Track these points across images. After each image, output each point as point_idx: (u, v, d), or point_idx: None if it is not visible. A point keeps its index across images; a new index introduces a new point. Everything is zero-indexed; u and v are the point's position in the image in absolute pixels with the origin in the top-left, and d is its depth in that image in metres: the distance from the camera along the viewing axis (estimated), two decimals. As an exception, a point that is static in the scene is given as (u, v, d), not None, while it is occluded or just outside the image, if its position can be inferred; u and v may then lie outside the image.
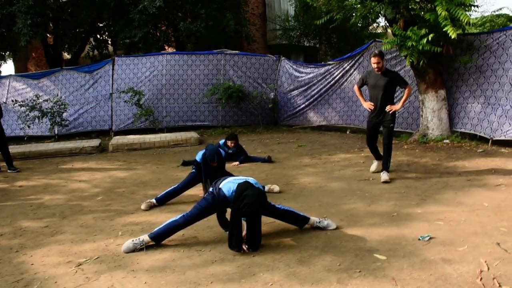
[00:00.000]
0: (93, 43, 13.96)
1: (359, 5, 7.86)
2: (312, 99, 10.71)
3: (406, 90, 5.48)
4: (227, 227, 3.56)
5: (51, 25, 12.38)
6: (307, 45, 17.48)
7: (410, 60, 6.98)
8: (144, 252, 3.52)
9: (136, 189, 5.90)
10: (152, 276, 3.08)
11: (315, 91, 10.57)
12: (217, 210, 3.69)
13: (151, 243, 3.60)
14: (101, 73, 11.04)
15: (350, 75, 9.80)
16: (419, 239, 3.49)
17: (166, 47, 13.15)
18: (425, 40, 6.70)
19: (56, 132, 10.59)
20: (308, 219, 3.85)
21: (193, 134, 9.84)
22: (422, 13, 6.97)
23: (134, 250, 3.52)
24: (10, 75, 11.73)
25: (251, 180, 3.54)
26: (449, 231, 3.64)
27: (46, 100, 9.99)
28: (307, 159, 7.37)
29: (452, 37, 6.38)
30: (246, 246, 3.43)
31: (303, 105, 10.96)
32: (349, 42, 15.55)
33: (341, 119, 10.24)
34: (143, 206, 4.84)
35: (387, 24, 8.27)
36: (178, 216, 3.68)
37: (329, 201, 4.77)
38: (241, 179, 3.56)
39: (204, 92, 11.19)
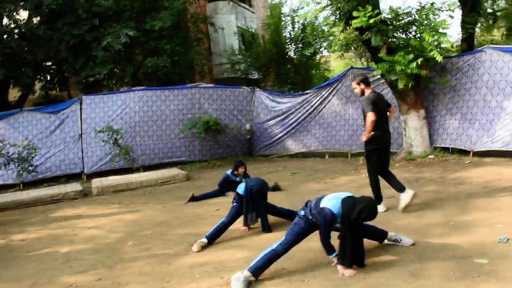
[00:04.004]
0: (47, 82, 13.09)
1: (341, 34, 8.35)
2: (290, 128, 10.97)
3: (367, 117, 5.09)
4: (330, 250, 3.51)
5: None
6: (254, 77, 17.75)
7: (403, 83, 7.52)
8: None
9: (161, 229, 5.59)
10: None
11: (293, 120, 10.86)
12: (309, 233, 3.66)
13: (251, 279, 3.45)
14: (67, 113, 10.36)
15: (329, 101, 10.26)
16: (499, 241, 3.74)
17: (129, 85, 12.73)
18: (414, 64, 7.31)
19: (21, 179, 9.63)
20: (386, 233, 3.94)
21: (179, 171, 9.54)
22: (407, 40, 7.62)
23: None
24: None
25: (349, 193, 3.59)
26: (517, 232, 3.94)
27: (14, 145, 9.10)
28: (314, 184, 7.50)
29: (439, 60, 7.06)
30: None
31: (280, 134, 11.18)
32: (298, 72, 16.22)
33: (321, 144, 10.59)
34: (195, 248, 4.59)
35: (366, 51, 8.87)
36: (274, 246, 3.58)
37: (379, 220, 4.87)
38: (339, 194, 3.58)
39: (180, 127, 10.97)
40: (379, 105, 5.15)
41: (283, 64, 16.00)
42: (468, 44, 10.83)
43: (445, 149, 8.61)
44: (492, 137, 7.64)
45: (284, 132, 11.11)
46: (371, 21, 7.36)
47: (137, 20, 12.23)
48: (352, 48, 9.40)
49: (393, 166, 8.15)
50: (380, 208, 5.01)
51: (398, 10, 8.28)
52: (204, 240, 4.68)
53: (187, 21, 14.66)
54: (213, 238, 4.74)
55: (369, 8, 7.43)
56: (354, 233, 3.42)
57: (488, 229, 4.15)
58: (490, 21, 12.70)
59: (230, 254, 4.31)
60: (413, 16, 8.25)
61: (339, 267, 3.44)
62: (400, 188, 5.12)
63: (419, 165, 7.88)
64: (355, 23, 7.43)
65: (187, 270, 3.99)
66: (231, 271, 3.80)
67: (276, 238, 4.45)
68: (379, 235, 3.92)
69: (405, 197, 5.05)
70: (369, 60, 30.66)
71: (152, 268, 4.16)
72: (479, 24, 12.40)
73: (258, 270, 3.47)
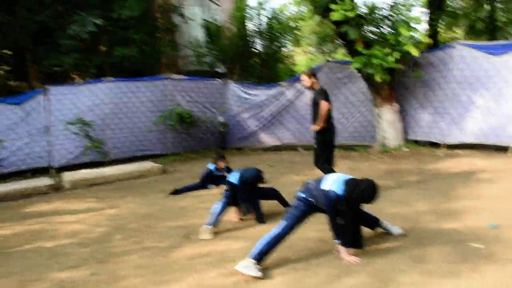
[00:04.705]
0: (6, 71, 12.33)
1: (316, 27, 8.44)
2: (264, 120, 10.99)
3: (320, 105, 5.37)
4: (339, 235, 3.54)
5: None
6: (220, 71, 17.57)
7: (380, 77, 7.72)
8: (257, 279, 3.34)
9: (147, 223, 5.44)
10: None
11: (267, 113, 10.88)
12: (309, 215, 3.68)
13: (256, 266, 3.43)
14: (32, 105, 9.79)
15: (303, 94, 10.35)
16: (490, 227, 3.93)
17: (94, 76, 12.22)
18: (392, 58, 7.52)
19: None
20: (379, 220, 4.03)
21: (154, 164, 9.31)
22: (383, 35, 7.81)
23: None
24: None
25: (348, 175, 3.64)
26: (503, 217, 4.16)
27: (-25, 139, 8.52)
28: (294, 176, 7.56)
29: (416, 55, 7.29)
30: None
31: (254, 127, 11.17)
32: (266, 66, 16.23)
33: (294, 137, 10.70)
34: (207, 236, 4.54)
35: (342, 44, 9.01)
36: (275, 231, 3.57)
37: (368, 208, 5.02)
38: (340, 176, 3.63)
39: (152, 120, 10.70)
40: (329, 99, 5.49)
41: (250, 57, 15.95)
42: (433, 41, 11.30)
43: (416, 142, 8.95)
44: (462, 131, 8.01)
45: (258, 124, 11.12)
46: (349, 14, 7.50)
47: (104, 8, 11.76)
48: (328, 41, 9.51)
49: (368, 158, 8.40)
50: None
51: (373, 5, 8.48)
52: (210, 226, 4.61)
53: (155, 11, 14.29)
54: (217, 222, 4.69)
55: (347, 1, 7.56)
56: (355, 215, 3.49)
57: (475, 215, 4.36)
58: (452, 19, 13.28)
59: (227, 245, 4.27)
60: (388, 11, 8.48)
61: (343, 253, 3.50)
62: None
63: (395, 157, 8.14)
64: (334, 16, 7.53)
65: (186, 262, 3.92)
66: (233, 261, 3.76)
67: (268, 228, 4.49)
68: (372, 222, 4.01)
69: None
70: (331, 54, 31.41)
71: (148, 261, 4.05)
72: (441, 22, 12.96)
73: (261, 256, 3.45)
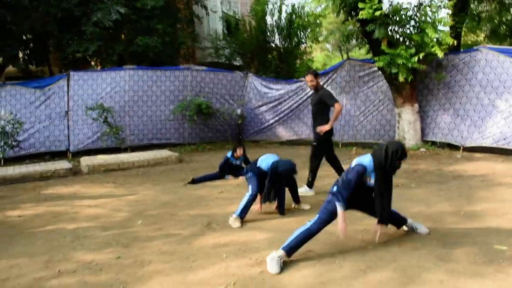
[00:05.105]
0: (28, 55, 12.48)
1: (342, 25, 8.41)
2: (282, 115, 11.02)
3: (335, 107, 5.57)
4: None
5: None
6: (237, 64, 17.61)
7: (403, 77, 7.68)
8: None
9: (168, 210, 5.50)
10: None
11: (285, 107, 10.90)
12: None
13: (285, 258, 3.47)
14: (54, 89, 9.94)
15: (323, 91, 10.34)
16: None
17: (115, 65, 12.33)
18: (416, 59, 7.47)
19: (2, 155, 9.19)
20: (406, 220, 4.04)
21: (171, 153, 9.39)
22: (408, 35, 7.76)
23: (281, 268, 3.35)
24: None
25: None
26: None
27: (-3, 119, 8.68)
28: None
29: (440, 56, 7.25)
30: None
31: (272, 121, 11.20)
32: (284, 61, 16.19)
33: (312, 133, 10.65)
34: (237, 224, 4.61)
35: (365, 42, 8.97)
36: (308, 225, 3.59)
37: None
38: (367, 155, 3.69)
39: (170, 109, 10.79)
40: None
41: (268, 52, 15.91)
42: (456, 43, 11.15)
43: (433, 143, 8.90)
44: (482, 134, 7.95)
45: (276, 118, 11.15)
46: (377, 13, 7.46)
47: (128, -3, 11.84)
48: (354, 40, 9.46)
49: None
50: (311, 192, 5.79)
51: (399, 5, 8.42)
52: (237, 216, 4.67)
53: (178, 2, 14.34)
54: (245, 212, 4.73)
55: (375, 0, 7.51)
56: (390, 187, 3.56)
57: (498, 218, 4.35)
58: (475, 22, 13.10)
59: (250, 235, 4.31)
60: (414, 12, 8.42)
61: (378, 226, 3.64)
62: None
63: (413, 157, 8.10)
64: (362, 14, 7.49)
65: (211, 251, 3.96)
66: (257, 251, 3.82)
67: (290, 221, 4.53)
68: (399, 220, 4.02)
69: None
70: (348, 52, 31.14)
71: (172, 248, 4.10)
72: (464, 24, 12.80)
73: (292, 250, 3.49)
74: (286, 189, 5.11)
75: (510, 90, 7.59)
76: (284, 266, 3.43)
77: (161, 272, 3.54)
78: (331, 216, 3.60)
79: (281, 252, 3.45)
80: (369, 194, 3.70)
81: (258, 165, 5.02)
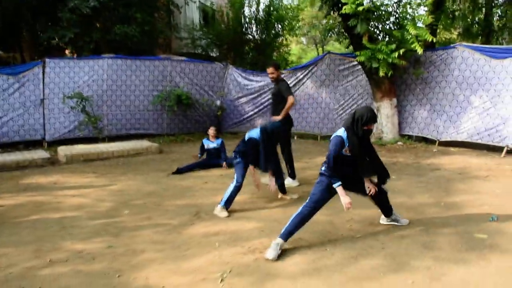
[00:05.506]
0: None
1: (325, 20, 8.51)
2: (261, 106, 11.07)
3: (288, 100, 5.73)
4: (335, 177, 3.61)
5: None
6: (214, 55, 17.43)
7: (384, 71, 7.87)
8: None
9: (154, 200, 5.49)
10: (321, 278, 3.10)
11: (265, 99, 10.95)
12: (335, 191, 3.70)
13: (285, 246, 3.55)
14: (28, 76, 9.60)
15: (303, 84, 10.46)
16: (490, 220, 4.14)
17: (91, 53, 12.01)
18: (396, 54, 7.67)
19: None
20: (392, 210, 4.18)
21: (151, 143, 9.30)
22: (389, 31, 7.95)
23: (278, 255, 3.43)
24: None
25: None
26: (502, 211, 4.38)
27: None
28: (294, 163, 7.65)
29: (420, 53, 7.47)
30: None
31: (251, 112, 11.24)
32: (261, 53, 16.17)
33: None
34: (224, 214, 4.67)
35: (346, 36, 9.11)
36: (301, 209, 3.65)
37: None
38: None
39: (149, 99, 10.65)
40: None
41: (245, 43, 15.88)
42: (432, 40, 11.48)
43: (410, 137, 9.18)
44: (457, 129, 8.27)
45: (256, 110, 11.19)
46: (360, 8, 7.59)
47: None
48: (334, 34, 9.59)
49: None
50: (295, 182, 6.00)
51: (380, 1, 8.61)
52: (223, 205, 4.72)
53: (156, -10, 14.05)
54: (229, 203, 4.77)
55: (358, -5, 7.65)
56: (370, 150, 3.75)
57: (476, 209, 4.59)
58: (449, 20, 13.51)
59: (240, 225, 4.37)
60: (393, 8, 8.63)
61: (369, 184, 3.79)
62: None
63: (391, 151, 8.35)
64: (345, 9, 7.61)
65: (202, 239, 4.00)
66: (248, 240, 3.89)
67: (278, 211, 4.59)
68: (388, 209, 4.13)
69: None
70: (323, 46, 31.38)
71: (163, 237, 4.11)
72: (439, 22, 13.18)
73: (288, 235, 3.58)
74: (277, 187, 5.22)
75: (484, 87, 7.92)
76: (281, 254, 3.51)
77: (155, 260, 3.56)
78: (323, 195, 3.64)
79: (279, 240, 3.52)
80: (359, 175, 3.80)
81: (246, 139, 5.01)
